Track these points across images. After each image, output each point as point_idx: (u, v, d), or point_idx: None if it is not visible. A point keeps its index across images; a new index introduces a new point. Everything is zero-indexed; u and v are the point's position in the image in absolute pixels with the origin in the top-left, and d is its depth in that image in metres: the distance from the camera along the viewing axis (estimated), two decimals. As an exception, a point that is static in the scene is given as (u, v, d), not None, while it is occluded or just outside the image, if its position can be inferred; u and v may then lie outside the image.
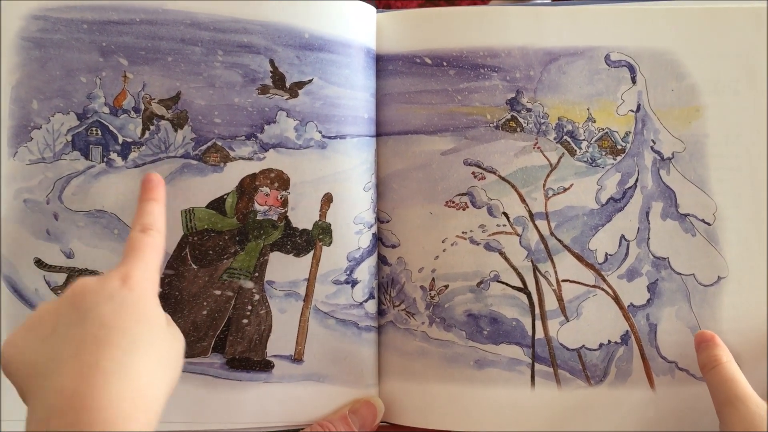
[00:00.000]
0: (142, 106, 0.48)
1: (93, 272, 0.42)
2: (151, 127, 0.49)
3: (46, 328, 0.36)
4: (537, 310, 0.49)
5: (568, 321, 0.49)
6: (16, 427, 0.47)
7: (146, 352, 0.36)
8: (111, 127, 0.48)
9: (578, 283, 0.49)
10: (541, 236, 0.50)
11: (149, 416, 0.35)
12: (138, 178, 0.48)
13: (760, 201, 0.49)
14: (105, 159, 0.48)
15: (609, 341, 0.49)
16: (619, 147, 0.50)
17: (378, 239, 0.51)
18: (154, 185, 0.45)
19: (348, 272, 0.49)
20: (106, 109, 0.48)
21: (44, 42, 0.47)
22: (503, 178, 0.50)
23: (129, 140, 0.48)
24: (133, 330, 0.36)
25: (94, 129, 0.48)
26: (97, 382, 0.33)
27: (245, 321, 0.48)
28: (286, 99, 0.49)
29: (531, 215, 0.50)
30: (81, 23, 0.48)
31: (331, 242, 0.49)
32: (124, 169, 0.48)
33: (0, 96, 0.47)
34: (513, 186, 0.50)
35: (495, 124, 0.50)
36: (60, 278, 0.48)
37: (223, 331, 0.48)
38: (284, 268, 0.49)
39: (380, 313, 0.51)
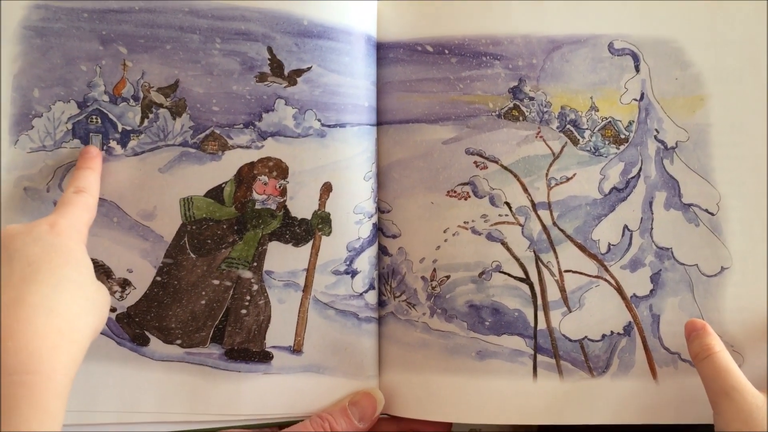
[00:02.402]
0: (141, 95, 0.51)
1: (93, 261, 0.45)
2: (150, 115, 0.51)
3: None
4: (539, 301, 0.52)
5: (570, 312, 0.52)
6: None
7: (74, 291, 0.40)
8: (111, 116, 0.51)
9: (581, 273, 0.52)
10: (544, 226, 0.52)
11: (75, 349, 0.38)
12: (137, 167, 0.51)
13: (764, 191, 0.51)
14: (105, 147, 0.51)
15: (612, 332, 0.51)
16: (623, 136, 0.52)
17: (378, 229, 0.54)
18: (92, 156, 0.50)
19: (348, 262, 0.52)
20: (106, 98, 0.51)
21: (45, 31, 0.50)
22: (505, 168, 0.53)
23: (128, 128, 0.51)
24: (60, 270, 0.40)
25: (94, 117, 0.51)
26: (23, 315, 0.36)
27: (244, 311, 0.51)
28: (285, 87, 0.52)
29: (533, 205, 0.52)
30: (81, 12, 0.51)
31: (330, 232, 0.52)
32: (123, 157, 0.51)
33: (1, 84, 0.50)
34: (515, 175, 0.53)
35: (497, 112, 0.53)
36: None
37: (221, 321, 0.51)
38: (283, 258, 0.52)
39: (381, 304, 0.54)
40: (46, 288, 0.38)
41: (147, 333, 0.51)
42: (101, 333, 0.50)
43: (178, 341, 0.51)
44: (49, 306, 0.38)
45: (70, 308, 0.39)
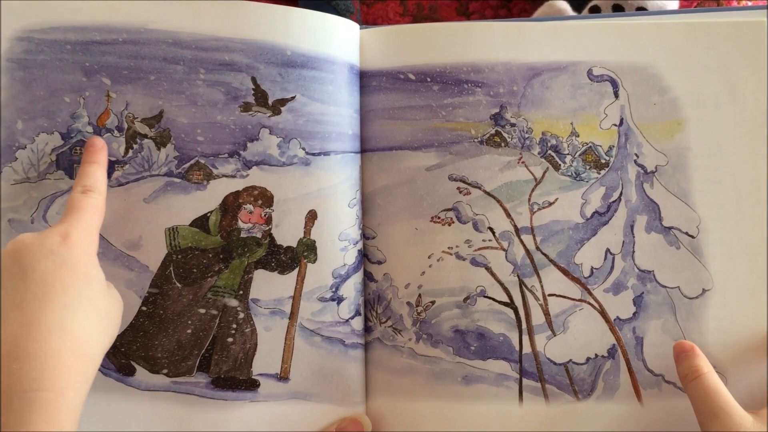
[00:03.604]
0: (125, 125, 0.52)
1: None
2: (135, 146, 0.52)
3: None
4: (524, 325, 0.53)
5: (555, 335, 0.53)
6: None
7: (86, 309, 0.41)
8: (95, 147, 0.52)
9: (564, 297, 0.53)
10: (527, 251, 0.54)
11: (88, 369, 0.40)
12: (122, 197, 0.52)
13: (743, 213, 0.53)
14: (89, 179, 0.52)
15: (596, 355, 0.53)
16: (603, 161, 0.54)
17: (364, 255, 0.55)
18: (98, 149, 0.50)
19: (333, 289, 0.53)
20: (90, 129, 0.52)
21: (28, 63, 0.51)
22: (488, 193, 0.54)
23: (112, 159, 0.52)
24: (73, 288, 0.41)
25: (78, 148, 0.52)
26: (39, 335, 0.38)
27: (230, 339, 0.52)
28: (269, 116, 0.53)
29: (516, 230, 0.54)
30: (64, 44, 0.52)
31: (316, 259, 0.53)
32: (108, 188, 0.52)
33: (-16, 117, 0.51)
34: (498, 201, 0.54)
35: (479, 139, 0.54)
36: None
37: (208, 350, 0.52)
38: (269, 286, 0.53)
39: (367, 329, 0.55)
40: (60, 308, 0.39)
41: (133, 363, 0.51)
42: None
43: (165, 371, 0.51)
44: (63, 326, 0.39)
45: (83, 327, 0.40)
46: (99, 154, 0.50)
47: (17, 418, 0.36)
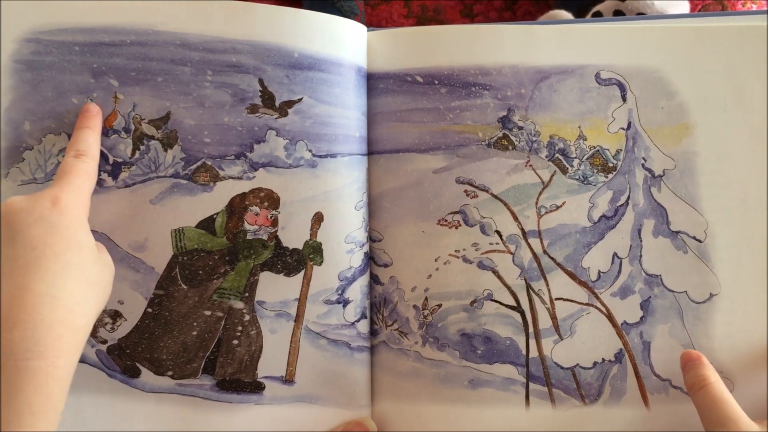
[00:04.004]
0: (133, 127, 0.53)
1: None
2: (141, 147, 0.53)
3: None
4: (531, 329, 0.53)
5: (561, 339, 0.53)
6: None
7: (76, 277, 0.40)
8: (102, 148, 0.52)
9: (571, 301, 0.53)
10: (534, 254, 0.54)
11: (78, 336, 0.40)
12: (129, 198, 0.52)
13: (751, 218, 0.53)
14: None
15: (603, 359, 0.53)
16: (611, 165, 0.54)
17: (370, 258, 0.55)
18: (92, 115, 0.50)
19: (339, 292, 0.53)
20: (97, 130, 0.52)
21: (36, 64, 0.52)
22: (496, 196, 0.54)
23: (119, 160, 0.52)
24: (64, 255, 0.40)
25: (84, 150, 0.52)
26: (29, 304, 0.38)
27: (235, 342, 0.52)
28: (276, 118, 0.53)
29: (524, 233, 0.54)
30: (72, 45, 0.52)
31: (322, 262, 0.53)
32: (114, 189, 0.52)
33: (-7, 118, 0.51)
34: (505, 204, 0.54)
35: (487, 142, 0.54)
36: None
37: (213, 352, 0.52)
38: (275, 288, 0.53)
39: (373, 333, 0.55)
40: (50, 275, 0.39)
41: (138, 365, 0.52)
42: (91, 365, 0.51)
43: (170, 373, 0.52)
44: (53, 294, 0.39)
45: (73, 296, 0.40)
46: (93, 119, 0.50)
47: (7, 387, 0.36)
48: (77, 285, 0.40)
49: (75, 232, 0.42)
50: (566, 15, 0.70)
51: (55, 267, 0.39)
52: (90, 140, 0.49)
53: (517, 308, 0.53)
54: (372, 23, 0.87)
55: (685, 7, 0.74)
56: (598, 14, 0.70)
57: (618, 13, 0.69)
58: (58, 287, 0.39)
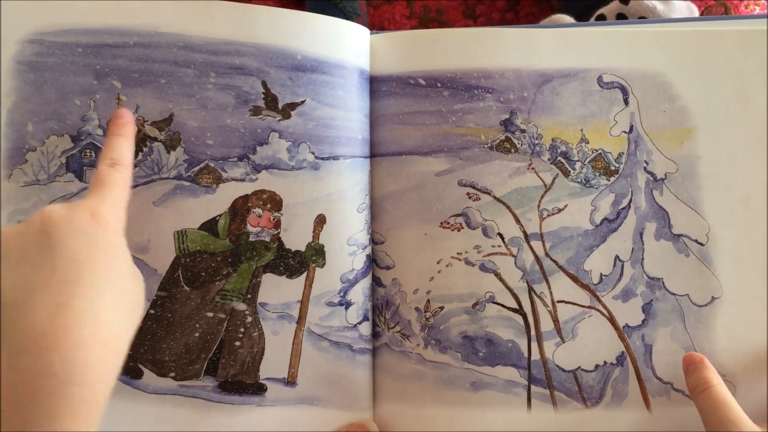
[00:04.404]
0: (135, 128, 0.53)
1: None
2: (144, 149, 0.53)
3: (15, 254, 0.37)
4: (533, 332, 0.53)
5: (563, 342, 0.53)
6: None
7: (116, 296, 0.38)
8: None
9: (573, 303, 0.54)
10: (536, 257, 0.54)
11: (116, 361, 0.37)
12: (131, 200, 0.51)
13: (753, 221, 0.53)
14: (99, 181, 0.52)
15: (605, 362, 0.53)
16: (613, 168, 0.54)
17: (372, 261, 0.55)
18: (125, 122, 0.49)
19: (342, 294, 0.54)
20: (100, 131, 0.52)
21: (39, 65, 0.52)
22: (498, 199, 0.54)
23: (122, 162, 0.53)
24: (104, 272, 0.38)
25: (88, 151, 0.52)
26: (69, 324, 0.35)
27: (238, 343, 0.52)
28: (279, 120, 0.53)
29: (526, 236, 0.54)
30: (75, 47, 0.52)
31: (324, 264, 0.53)
32: (117, 191, 0.52)
33: (-4, 119, 0.52)
34: (508, 207, 0.54)
35: (489, 144, 0.55)
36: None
37: (215, 353, 0.52)
38: (277, 290, 0.53)
39: (375, 335, 0.55)
40: (93, 293, 0.36)
41: (140, 366, 0.52)
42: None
43: (172, 374, 0.52)
44: (94, 313, 0.36)
45: (113, 315, 0.37)
46: (125, 126, 0.49)
47: (42, 412, 0.33)
48: (116, 304, 0.38)
49: (115, 247, 0.40)
50: (568, 20, 0.70)
51: (96, 284, 0.37)
52: (123, 148, 0.47)
53: (519, 311, 0.54)
54: (374, 23, 0.87)
55: (692, 10, 0.74)
56: (601, 17, 0.70)
57: (621, 17, 0.70)
58: (100, 306, 0.36)
